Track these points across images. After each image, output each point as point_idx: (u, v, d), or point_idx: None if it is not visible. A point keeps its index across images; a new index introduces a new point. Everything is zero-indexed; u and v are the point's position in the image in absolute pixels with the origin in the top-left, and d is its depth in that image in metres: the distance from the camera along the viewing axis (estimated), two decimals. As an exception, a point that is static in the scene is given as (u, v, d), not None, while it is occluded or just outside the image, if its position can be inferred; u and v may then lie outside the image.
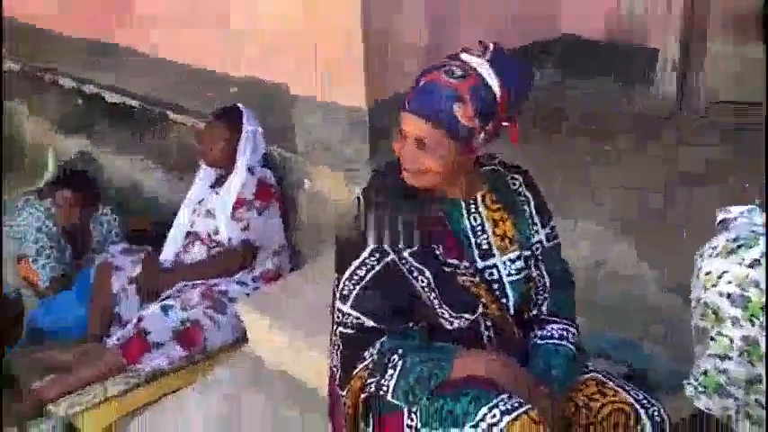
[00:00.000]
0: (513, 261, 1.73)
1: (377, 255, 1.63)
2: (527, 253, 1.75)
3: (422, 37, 3.19)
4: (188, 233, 3.32)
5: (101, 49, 4.61)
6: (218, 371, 2.84)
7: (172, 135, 3.96)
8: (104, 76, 4.42)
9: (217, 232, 3.25)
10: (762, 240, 1.40)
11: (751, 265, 1.38)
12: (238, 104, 3.34)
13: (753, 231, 1.45)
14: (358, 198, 1.70)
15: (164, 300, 3.07)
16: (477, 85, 1.54)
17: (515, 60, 1.61)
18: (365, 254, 1.63)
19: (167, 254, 3.31)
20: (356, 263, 1.64)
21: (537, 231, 1.77)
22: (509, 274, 1.73)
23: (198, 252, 3.28)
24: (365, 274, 1.64)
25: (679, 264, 1.85)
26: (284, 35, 3.36)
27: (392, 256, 1.63)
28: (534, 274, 1.79)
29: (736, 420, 1.47)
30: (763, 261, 1.36)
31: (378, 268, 1.63)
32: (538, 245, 1.77)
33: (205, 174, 3.39)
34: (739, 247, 1.41)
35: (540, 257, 1.78)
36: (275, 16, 3.50)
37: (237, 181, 3.22)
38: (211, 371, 2.85)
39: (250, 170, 3.26)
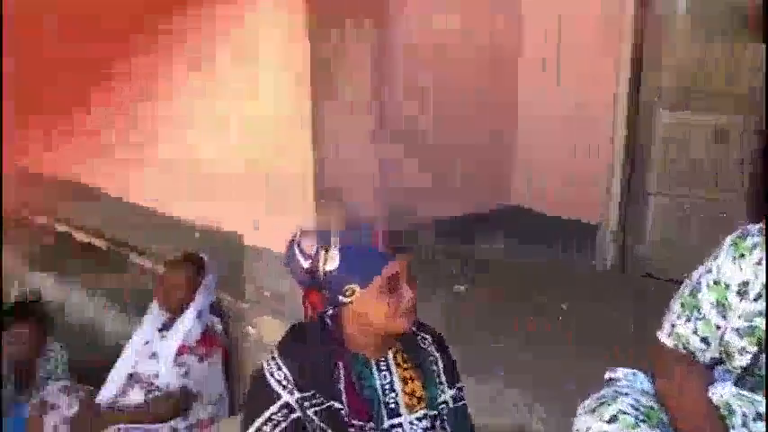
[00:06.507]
0: (419, 420, 1.72)
1: (284, 411, 1.61)
2: (433, 413, 1.73)
3: (371, 190, 3.23)
4: (130, 375, 3.27)
5: (75, 189, 4.83)
6: None
7: (130, 276, 4.12)
8: (76, 216, 4.67)
9: (157, 376, 3.19)
10: (620, 400, 1.53)
11: (609, 421, 1.49)
12: (202, 254, 3.40)
13: (615, 391, 1.57)
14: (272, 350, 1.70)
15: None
16: None
17: None
18: (273, 409, 1.62)
19: (105, 394, 3.25)
20: (261, 419, 1.62)
21: (443, 391, 1.76)
22: None
23: (136, 395, 3.20)
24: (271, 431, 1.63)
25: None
26: (242, 185, 3.46)
27: (299, 413, 1.61)
28: None
29: None
30: (619, 416, 1.49)
31: (284, 425, 1.62)
32: (443, 405, 1.75)
33: (155, 316, 3.37)
34: (600, 404, 1.52)
35: (445, 418, 1.74)
36: (236, 164, 3.58)
37: (184, 326, 3.21)
38: None
39: (198, 316, 3.25)
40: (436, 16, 3.82)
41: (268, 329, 3.28)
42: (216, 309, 3.38)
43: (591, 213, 3.85)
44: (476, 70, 3.99)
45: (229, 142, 3.56)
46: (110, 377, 3.24)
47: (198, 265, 3.30)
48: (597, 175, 3.83)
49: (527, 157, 4.13)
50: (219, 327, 3.29)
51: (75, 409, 3.13)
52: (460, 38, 3.90)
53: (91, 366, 3.62)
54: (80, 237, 4.50)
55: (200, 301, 3.23)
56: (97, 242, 4.35)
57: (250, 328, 3.39)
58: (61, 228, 4.67)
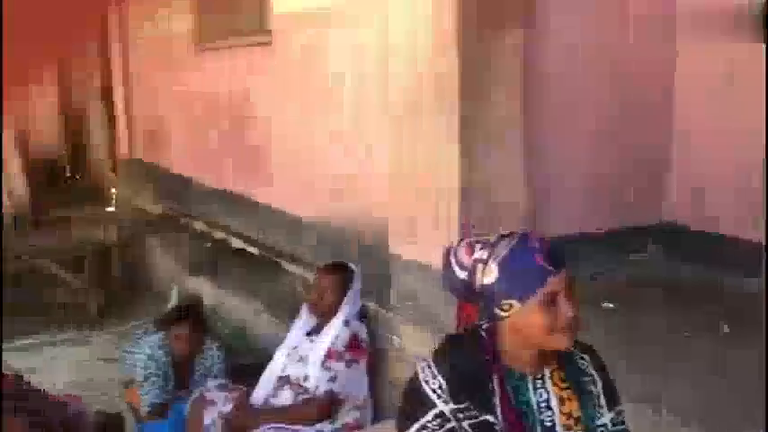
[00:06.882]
0: None
1: (439, 420, 1.61)
2: None
3: (520, 201, 3.21)
4: (280, 377, 3.42)
5: (231, 198, 5.07)
6: None
7: (282, 282, 4.28)
8: (232, 223, 4.93)
9: (306, 379, 3.32)
10: None
11: None
12: (350, 263, 3.52)
13: None
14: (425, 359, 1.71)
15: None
16: None
17: None
18: (428, 417, 1.62)
19: (258, 395, 3.41)
20: (417, 426, 1.63)
21: (602, 414, 1.72)
22: None
23: (286, 397, 3.35)
24: None
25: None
26: (389, 195, 3.51)
27: (453, 423, 1.61)
28: None
29: None
30: None
31: None
32: (602, 428, 1.71)
33: (304, 321, 3.52)
34: None
35: None
36: (382, 173, 3.63)
37: (332, 332, 3.33)
38: None
39: (345, 323, 3.35)
40: (590, 24, 3.72)
41: (413, 339, 3.30)
42: (362, 316, 3.47)
43: (756, 231, 3.59)
44: (629, 78, 3.84)
45: (375, 150, 3.63)
46: (262, 379, 3.40)
47: (346, 273, 3.41)
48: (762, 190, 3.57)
49: (685, 171, 3.91)
50: (366, 334, 3.37)
51: (230, 406, 3.30)
52: (614, 43, 3.77)
53: (245, 368, 3.82)
54: (235, 243, 4.75)
55: (348, 308, 3.34)
56: (251, 249, 4.58)
57: (395, 336, 3.43)
58: (218, 234, 4.97)
